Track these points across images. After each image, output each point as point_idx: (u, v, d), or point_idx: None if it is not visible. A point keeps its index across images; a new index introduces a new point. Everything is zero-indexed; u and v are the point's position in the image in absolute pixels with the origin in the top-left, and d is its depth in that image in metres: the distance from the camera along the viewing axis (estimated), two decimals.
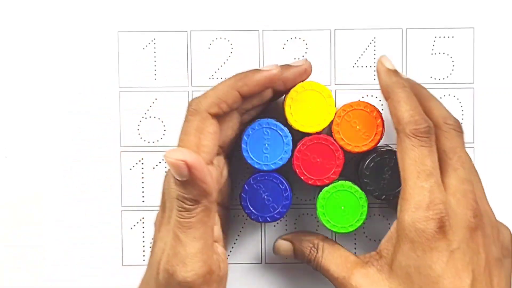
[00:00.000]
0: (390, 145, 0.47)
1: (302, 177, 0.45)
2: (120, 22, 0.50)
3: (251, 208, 0.45)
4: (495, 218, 0.43)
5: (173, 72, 0.50)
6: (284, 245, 0.46)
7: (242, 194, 0.45)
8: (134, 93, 0.50)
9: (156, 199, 0.50)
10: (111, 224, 0.50)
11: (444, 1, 0.50)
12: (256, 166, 0.44)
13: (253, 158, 0.44)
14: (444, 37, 0.50)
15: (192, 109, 0.41)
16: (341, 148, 0.45)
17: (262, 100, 0.44)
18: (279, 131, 0.44)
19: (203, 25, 0.50)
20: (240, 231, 0.50)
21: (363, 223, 0.45)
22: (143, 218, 0.50)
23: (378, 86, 0.50)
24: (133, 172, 0.50)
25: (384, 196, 0.45)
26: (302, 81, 0.44)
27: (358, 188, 0.45)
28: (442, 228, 0.39)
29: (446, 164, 0.41)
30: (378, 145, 0.46)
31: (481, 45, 0.50)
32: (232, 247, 0.50)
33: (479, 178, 0.44)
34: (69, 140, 0.50)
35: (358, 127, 0.45)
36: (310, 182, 0.45)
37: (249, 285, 0.50)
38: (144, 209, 0.50)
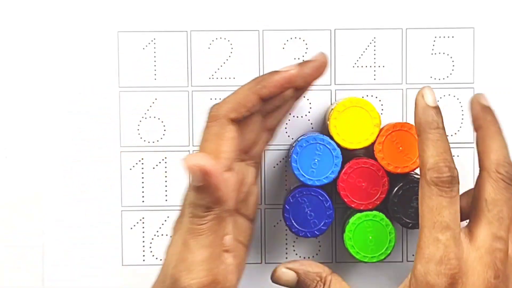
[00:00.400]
0: (417, 173, 0.47)
1: (346, 200, 0.45)
2: (120, 22, 0.50)
3: (293, 221, 0.45)
4: None
5: (173, 72, 0.50)
6: (288, 276, 0.43)
7: (286, 205, 0.45)
8: (134, 93, 0.50)
9: (156, 199, 0.50)
10: (111, 224, 0.50)
11: (444, 1, 0.50)
12: (302, 179, 0.45)
13: (301, 171, 0.44)
14: (444, 37, 0.50)
15: (212, 115, 0.40)
16: (386, 172, 0.45)
17: (283, 100, 0.43)
18: (331, 150, 0.45)
19: (203, 25, 0.50)
20: None
21: (390, 253, 0.45)
22: (143, 218, 0.50)
23: (378, 86, 0.50)
24: (133, 172, 0.50)
25: (410, 225, 0.45)
26: (321, 75, 0.43)
27: (388, 222, 0.45)
28: (453, 285, 0.37)
29: (483, 214, 0.39)
30: (413, 173, 0.46)
31: (481, 45, 0.50)
32: None
33: None
34: (69, 140, 0.50)
35: (401, 148, 0.45)
36: (352, 206, 0.45)
37: (249, 285, 0.50)
38: (144, 209, 0.50)
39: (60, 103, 0.50)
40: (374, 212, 0.45)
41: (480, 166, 0.40)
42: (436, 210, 0.37)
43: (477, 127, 0.41)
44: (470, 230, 0.39)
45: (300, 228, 0.45)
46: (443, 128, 0.40)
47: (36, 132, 0.50)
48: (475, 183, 0.41)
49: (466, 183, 0.50)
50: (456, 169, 0.39)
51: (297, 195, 0.45)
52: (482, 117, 0.41)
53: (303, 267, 0.43)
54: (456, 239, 0.37)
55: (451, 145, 0.50)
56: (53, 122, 0.50)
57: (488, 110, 0.41)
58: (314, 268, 0.43)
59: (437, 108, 0.40)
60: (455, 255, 0.37)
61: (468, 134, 0.50)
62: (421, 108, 0.40)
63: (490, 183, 0.39)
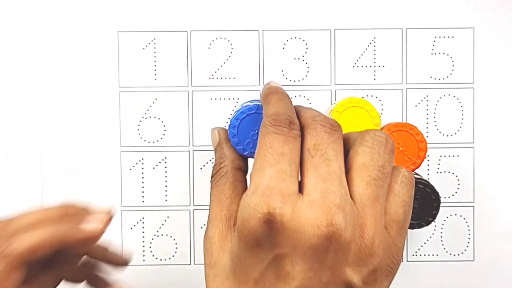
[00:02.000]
0: (417, 173, 0.47)
1: None
2: (120, 22, 0.50)
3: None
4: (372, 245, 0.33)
5: (173, 72, 0.50)
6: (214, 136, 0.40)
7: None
8: (134, 93, 0.50)
9: (156, 199, 0.50)
10: (111, 223, 0.50)
11: (444, 1, 0.50)
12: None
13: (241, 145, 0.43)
14: (444, 37, 0.50)
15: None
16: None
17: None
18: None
19: (203, 25, 0.50)
20: None
21: None
22: (143, 218, 0.50)
23: (378, 86, 0.50)
24: (133, 172, 0.50)
25: (411, 225, 0.45)
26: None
27: None
28: (269, 224, 0.31)
29: (308, 163, 0.33)
30: (413, 173, 0.46)
31: (481, 45, 0.50)
32: None
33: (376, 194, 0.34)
34: (69, 140, 0.50)
35: (401, 148, 0.45)
36: None
37: None
38: (144, 209, 0.50)
39: (60, 103, 0.50)
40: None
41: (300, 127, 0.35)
42: (269, 143, 0.33)
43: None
44: (300, 183, 0.33)
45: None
46: (284, 92, 0.38)
47: (36, 132, 0.50)
48: None
49: (466, 183, 0.50)
50: (296, 119, 0.35)
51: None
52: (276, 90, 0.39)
53: (224, 144, 0.40)
54: (284, 174, 0.32)
55: (451, 145, 0.50)
56: (53, 122, 0.50)
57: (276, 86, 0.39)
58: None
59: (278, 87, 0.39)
60: (280, 191, 0.32)
61: (468, 134, 0.50)
62: (265, 88, 0.39)
63: (309, 132, 0.34)
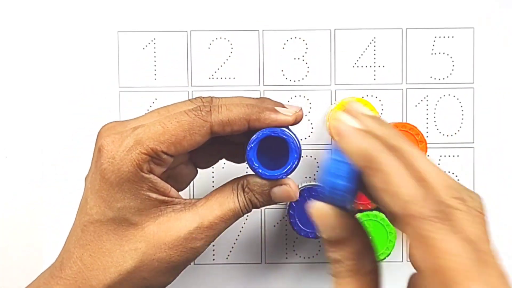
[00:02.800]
0: None
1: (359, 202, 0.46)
2: (120, 22, 0.50)
3: (297, 219, 0.45)
4: None
5: (173, 72, 0.50)
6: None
7: (293, 203, 0.45)
8: (134, 93, 0.50)
9: None
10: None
11: (444, 1, 0.50)
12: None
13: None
14: (444, 37, 0.50)
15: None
16: None
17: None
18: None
19: (203, 25, 0.50)
20: (240, 231, 0.50)
21: (390, 253, 0.46)
22: None
23: (378, 86, 0.50)
24: None
25: None
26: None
27: (388, 222, 0.44)
28: None
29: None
30: None
31: (481, 45, 0.50)
32: (232, 247, 0.50)
33: None
34: (69, 140, 0.50)
35: None
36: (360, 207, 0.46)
37: (249, 285, 0.50)
38: None
39: (60, 103, 0.50)
40: (375, 212, 0.45)
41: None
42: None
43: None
44: None
45: (302, 228, 0.45)
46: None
47: (36, 132, 0.50)
48: None
49: (466, 183, 0.50)
50: None
51: (305, 194, 0.45)
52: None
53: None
54: None
55: (451, 145, 0.50)
56: (53, 122, 0.50)
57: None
58: None
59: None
60: None
61: (468, 134, 0.50)
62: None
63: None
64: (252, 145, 0.37)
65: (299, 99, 0.50)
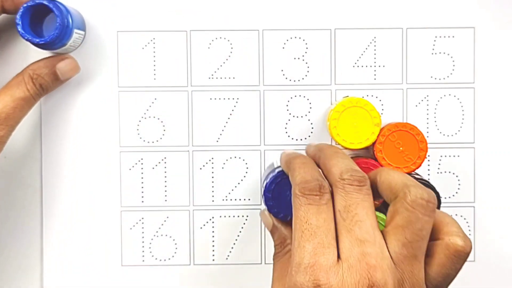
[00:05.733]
0: (417, 173, 0.47)
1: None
2: (120, 22, 0.50)
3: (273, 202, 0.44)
4: None
5: (173, 72, 0.50)
6: (267, 220, 0.44)
7: (267, 193, 0.43)
8: (133, 93, 0.50)
9: (155, 199, 0.50)
10: (111, 224, 0.50)
11: (444, 1, 0.50)
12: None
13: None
14: (444, 37, 0.50)
15: None
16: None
17: None
18: None
19: (202, 25, 0.50)
20: (240, 231, 0.50)
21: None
22: (142, 218, 0.50)
23: (378, 86, 0.50)
24: (132, 172, 0.50)
25: None
26: None
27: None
28: None
29: (341, 225, 0.35)
30: (414, 174, 0.46)
31: (481, 45, 0.50)
32: (232, 247, 0.50)
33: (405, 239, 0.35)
34: (69, 140, 0.50)
35: (401, 148, 0.45)
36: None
37: (249, 285, 0.50)
38: (144, 209, 0.50)
39: (59, 103, 0.50)
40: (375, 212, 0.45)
41: (330, 185, 0.38)
42: (304, 218, 0.36)
43: (317, 159, 0.42)
44: (337, 246, 0.35)
45: (278, 211, 0.43)
46: (305, 155, 0.42)
47: (36, 132, 0.50)
48: None
49: (466, 183, 0.50)
50: (325, 181, 0.37)
51: (284, 177, 0.43)
52: (317, 149, 0.43)
53: (278, 224, 0.44)
54: (322, 247, 0.35)
55: (451, 145, 0.50)
56: (52, 122, 0.50)
57: (321, 146, 0.44)
58: (284, 230, 0.43)
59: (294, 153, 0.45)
60: (322, 266, 0.34)
61: (468, 134, 0.50)
62: (284, 156, 0.44)
63: (338, 193, 0.36)
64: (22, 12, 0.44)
65: (299, 99, 0.50)
